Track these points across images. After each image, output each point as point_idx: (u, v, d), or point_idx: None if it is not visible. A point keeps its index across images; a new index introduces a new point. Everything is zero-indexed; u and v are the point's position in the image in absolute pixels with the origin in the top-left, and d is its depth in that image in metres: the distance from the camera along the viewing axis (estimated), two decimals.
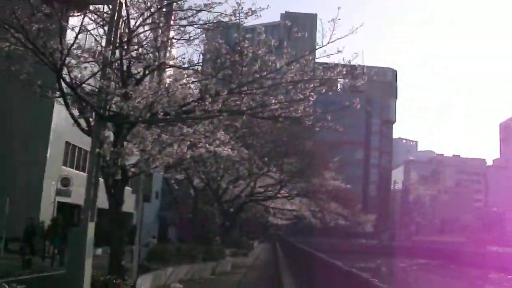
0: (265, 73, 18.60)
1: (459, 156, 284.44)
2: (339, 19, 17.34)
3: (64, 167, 49.52)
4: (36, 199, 45.21)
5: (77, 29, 18.08)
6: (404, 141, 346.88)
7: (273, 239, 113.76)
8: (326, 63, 19.91)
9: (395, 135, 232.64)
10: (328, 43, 17.62)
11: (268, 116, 19.96)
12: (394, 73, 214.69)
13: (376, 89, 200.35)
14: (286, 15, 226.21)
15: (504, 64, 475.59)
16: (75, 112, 19.70)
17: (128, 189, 22.54)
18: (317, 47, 18.03)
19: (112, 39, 17.58)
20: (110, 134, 19.94)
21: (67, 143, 49.01)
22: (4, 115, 44.44)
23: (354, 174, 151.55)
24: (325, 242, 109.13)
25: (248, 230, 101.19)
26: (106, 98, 17.81)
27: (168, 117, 18.68)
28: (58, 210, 44.78)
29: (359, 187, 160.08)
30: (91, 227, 16.59)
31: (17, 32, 16.01)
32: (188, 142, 20.63)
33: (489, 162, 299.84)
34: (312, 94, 19.34)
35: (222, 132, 21.20)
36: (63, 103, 18.57)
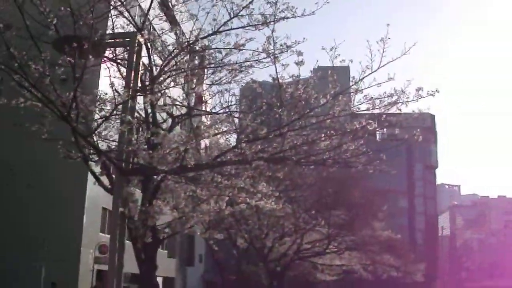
0: (307, 110, 16.21)
1: (505, 196, 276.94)
2: (389, 38, 15.48)
3: (101, 234, 47.55)
4: (74, 267, 43.84)
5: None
6: (447, 186, 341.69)
7: None
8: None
9: (437, 181, 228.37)
10: (378, 67, 15.20)
11: (314, 161, 17.46)
12: (432, 118, 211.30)
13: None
14: (318, 69, 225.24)
15: None
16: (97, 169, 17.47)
17: (163, 252, 20.21)
18: (365, 73, 15.56)
19: (132, 81, 15.37)
20: (135, 191, 17.61)
21: (104, 209, 47.01)
22: (40, 180, 43.24)
23: (399, 223, 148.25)
24: None
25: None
26: (126, 148, 15.54)
27: (199, 166, 16.31)
28: (97, 277, 43.83)
29: (405, 235, 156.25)
30: None
31: (15, 73, 13.73)
32: (227, 198, 18.31)
33: None
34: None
35: (264, 184, 18.89)
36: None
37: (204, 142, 17.46)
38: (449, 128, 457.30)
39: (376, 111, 16.81)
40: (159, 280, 63.45)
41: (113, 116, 17.07)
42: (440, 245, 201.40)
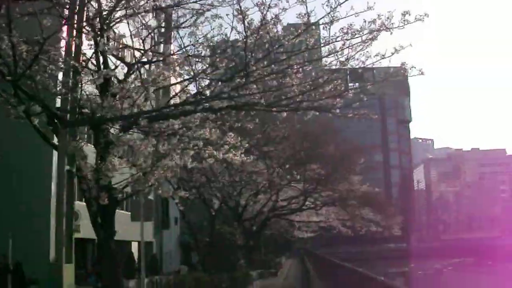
0: (276, 46, 14.35)
1: (478, 148, 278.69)
2: None
3: (77, 202, 45.44)
4: (45, 238, 41.51)
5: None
6: (420, 140, 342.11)
7: (299, 253, 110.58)
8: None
9: (411, 135, 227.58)
10: None
11: (286, 106, 15.58)
12: (405, 71, 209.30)
13: (387, 89, 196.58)
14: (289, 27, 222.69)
15: None
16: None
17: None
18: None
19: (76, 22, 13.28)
20: (81, 145, 15.49)
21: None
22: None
23: (374, 177, 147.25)
24: (353, 250, 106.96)
25: (272, 247, 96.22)
26: (69, 96, 13.47)
27: (156, 116, 14.32)
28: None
29: (381, 190, 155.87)
30: (67, 270, 12.23)
31: None
32: (192, 152, 16.38)
33: (509, 152, 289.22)
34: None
35: (231, 134, 17.01)
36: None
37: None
38: (422, 81, 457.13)
39: (356, 40, 14.64)
40: (135, 245, 62.08)
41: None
42: (416, 199, 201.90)
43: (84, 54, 15.85)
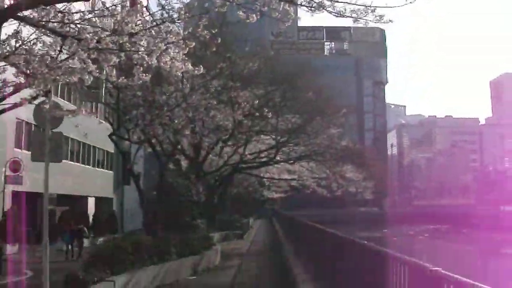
0: None
1: (452, 116, 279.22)
2: None
3: (17, 150, 40.66)
4: None
5: None
6: (392, 106, 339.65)
7: (268, 214, 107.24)
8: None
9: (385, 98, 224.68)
10: None
11: None
12: (382, 32, 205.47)
13: (364, 50, 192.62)
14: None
15: (493, 21, 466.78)
16: None
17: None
18: None
19: None
20: None
21: (19, 120, 39.37)
22: None
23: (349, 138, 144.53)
24: (324, 213, 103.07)
25: (239, 208, 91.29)
26: None
27: None
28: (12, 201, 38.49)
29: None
30: None
31: None
32: (114, 58, 11.01)
33: (482, 121, 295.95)
34: None
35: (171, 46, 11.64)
36: None
37: None
38: (398, 44, 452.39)
39: None
40: (91, 200, 56.93)
41: None
42: (389, 163, 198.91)
43: None
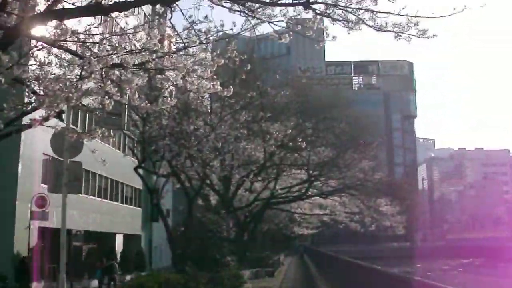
0: None
1: (482, 148, 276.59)
2: None
3: (44, 185, 39.46)
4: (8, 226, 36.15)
5: None
6: (422, 140, 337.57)
7: (299, 251, 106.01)
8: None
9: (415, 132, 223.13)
10: None
11: None
12: (410, 66, 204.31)
13: (393, 84, 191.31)
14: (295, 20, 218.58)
15: None
16: None
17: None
18: None
19: None
20: None
21: (45, 155, 38.88)
22: None
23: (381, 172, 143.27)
24: (354, 249, 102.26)
25: (270, 244, 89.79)
26: None
27: None
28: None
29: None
30: None
31: None
32: (135, 77, 10.10)
33: None
34: None
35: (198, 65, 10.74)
36: None
37: None
38: (426, 79, 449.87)
39: None
40: (119, 237, 56.09)
41: None
42: (420, 197, 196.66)
43: None
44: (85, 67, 9.33)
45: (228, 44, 11.49)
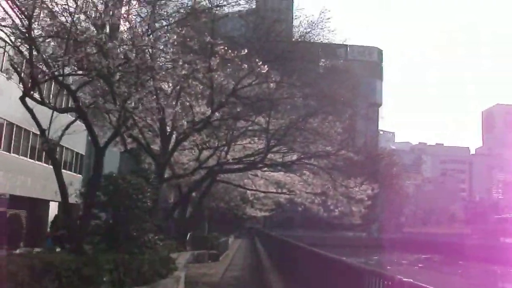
0: None
1: (442, 144, 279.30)
2: None
3: None
4: None
5: None
6: (382, 132, 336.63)
7: (250, 233, 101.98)
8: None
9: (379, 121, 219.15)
10: None
11: None
12: (380, 52, 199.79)
13: (360, 69, 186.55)
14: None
15: (488, 51, 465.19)
16: None
17: None
18: None
19: None
20: None
21: None
22: None
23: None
24: (309, 235, 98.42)
25: (217, 225, 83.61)
26: None
27: None
28: None
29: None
30: None
31: None
32: None
33: (472, 151, 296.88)
34: None
35: None
36: None
37: None
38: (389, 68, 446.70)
39: None
40: (53, 205, 49.64)
41: None
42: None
43: None
44: None
45: None
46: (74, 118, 19.92)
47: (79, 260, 14.97)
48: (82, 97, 19.88)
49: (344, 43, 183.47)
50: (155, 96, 19.67)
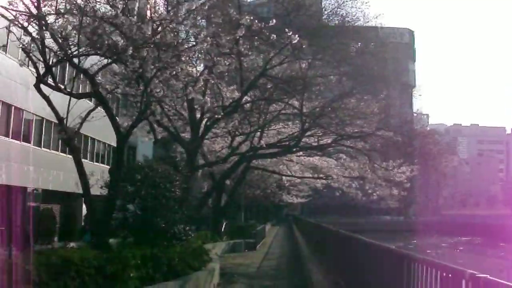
0: None
1: (477, 125, 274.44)
2: None
3: None
4: None
5: None
6: (416, 114, 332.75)
7: (288, 221, 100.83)
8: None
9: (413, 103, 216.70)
10: None
11: None
12: (411, 34, 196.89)
13: (392, 51, 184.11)
14: None
15: None
16: None
17: None
18: None
19: None
20: None
21: None
22: None
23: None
24: (346, 221, 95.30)
25: (255, 212, 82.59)
26: None
27: None
28: None
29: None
30: None
31: None
32: None
33: (508, 131, 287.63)
34: None
35: None
36: None
37: None
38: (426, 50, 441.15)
39: None
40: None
41: None
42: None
43: None
44: None
45: None
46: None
47: (102, 256, 13.88)
48: (103, 83, 18.82)
49: (376, 25, 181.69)
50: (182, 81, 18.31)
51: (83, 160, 44.73)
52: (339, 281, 16.92)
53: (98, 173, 20.68)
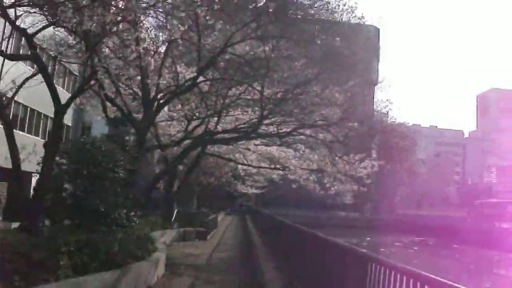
0: None
1: (436, 127, 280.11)
2: None
3: None
4: None
5: None
6: (375, 113, 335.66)
7: (241, 211, 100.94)
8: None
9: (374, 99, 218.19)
10: None
11: None
12: (376, 31, 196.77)
13: (356, 47, 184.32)
14: None
15: (484, 36, 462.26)
16: None
17: None
18: None
19: None
20: None
21: None
22: None
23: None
24: (302, 214, 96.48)
25: (208, 201, 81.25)
26: None
27: None
28: None
29: None
30: None
31: None
32: None
33: (466, 134, 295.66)
34: None
35: None
36: None
37: None
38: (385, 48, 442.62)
39: None
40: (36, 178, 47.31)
41: None
42: None
43: None
44: None
45: None
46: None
47: (29, 241, 12.25)
48: (46, 47, 17.18)
49: (345, 19, 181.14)
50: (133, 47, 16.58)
51: (35, 137, 43.19)
52: (293, 281, 15.70)
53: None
